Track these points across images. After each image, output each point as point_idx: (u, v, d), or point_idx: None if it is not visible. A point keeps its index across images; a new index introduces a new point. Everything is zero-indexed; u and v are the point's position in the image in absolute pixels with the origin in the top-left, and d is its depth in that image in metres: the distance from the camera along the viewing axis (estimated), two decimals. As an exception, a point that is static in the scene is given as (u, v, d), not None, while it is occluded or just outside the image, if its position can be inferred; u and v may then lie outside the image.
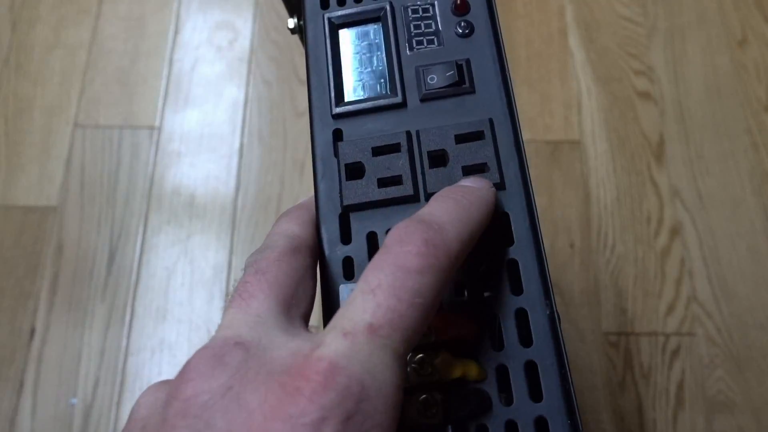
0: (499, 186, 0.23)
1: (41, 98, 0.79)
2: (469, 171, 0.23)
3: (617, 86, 0.81)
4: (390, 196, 0.23)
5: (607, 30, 0.84)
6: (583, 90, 0.81)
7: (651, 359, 0.68)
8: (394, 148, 0.24)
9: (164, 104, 0.79)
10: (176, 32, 0.83)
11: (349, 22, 0.27)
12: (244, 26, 0.84)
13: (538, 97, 0.80)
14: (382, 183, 0.23)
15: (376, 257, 0.19)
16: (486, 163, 0.23)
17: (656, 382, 0.67)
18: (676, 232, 0.74)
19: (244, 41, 0.83)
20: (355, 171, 0.24)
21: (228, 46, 0.83)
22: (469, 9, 0.26)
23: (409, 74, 0.25)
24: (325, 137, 0.25)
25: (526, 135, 0.77)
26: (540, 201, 0.76)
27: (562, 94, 0.80)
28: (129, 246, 0.73)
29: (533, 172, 0.83)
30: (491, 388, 0.21)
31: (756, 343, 0.68)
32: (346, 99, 0.25)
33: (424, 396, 0.21)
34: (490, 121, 0.24)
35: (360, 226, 0.23)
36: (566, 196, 0.75)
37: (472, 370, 0.21)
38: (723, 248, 0.72)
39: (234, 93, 0.80)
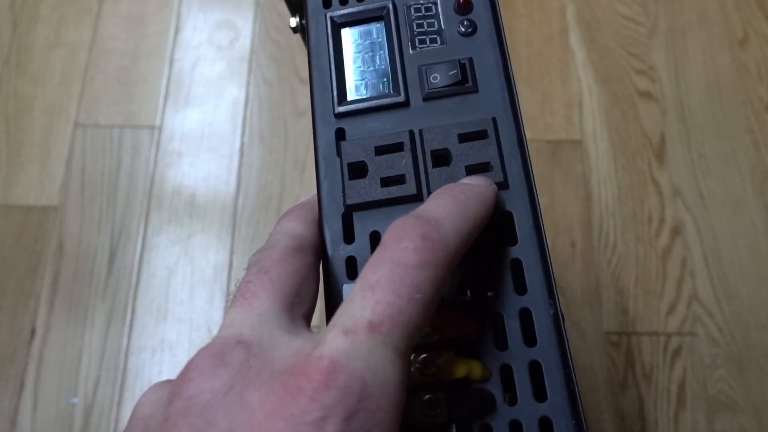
0: (503, 185, 0.23)
1: (42, 98, 0.79)
2: (472, 170, 0.23)
3: (618, 86, 0.81)
4: (393, 196, 0.23)
5: (608, 29, 0.84)
6: (584, 89, 0.81)
7: (652, 359, 0.68)
8: (396, 148, 0.24)
9: (165, 104, 0.79)
10: (177, 32, 0.83)
11: (352, 21, 0.27)
12: (245, 26, 0.84)
13: (539, 96, 0.80)
14: (385, 182, 0.23)
15: (374, 255, 0.19)
16: (489, 163, 0.23)
17: (657, 382, 0.67)
18: (677, 231, 0.73)
19: (244, 41, 0.83)
20: (357, 170, 0.24)
21: (229, 46, 0.83)
22: (472, 8, 0.26)
23: (412, 73, 0.25)
24: (328, 136, 0.25)
25: (527, 134, 0.77)
26: (541, 200, 0.76)
27: (563, 93, 0.80)
28: (130, 245, 0.73)
29: (534, 172, 0.83)
30: (495, 388, 0.21)
31: (757, 342, 0.68)
32: (349, 98, 0.25)
33: (427, 396, 0.21)
34: (494, 120, 0.24)
35: (363, 225, 0.23)
36: (567, 195, 0.75)
37: (476, 370, 0.21)
38: (724, 248, 0.72)
39: (235, 92, 0.80)
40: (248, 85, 0.81)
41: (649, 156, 0.77)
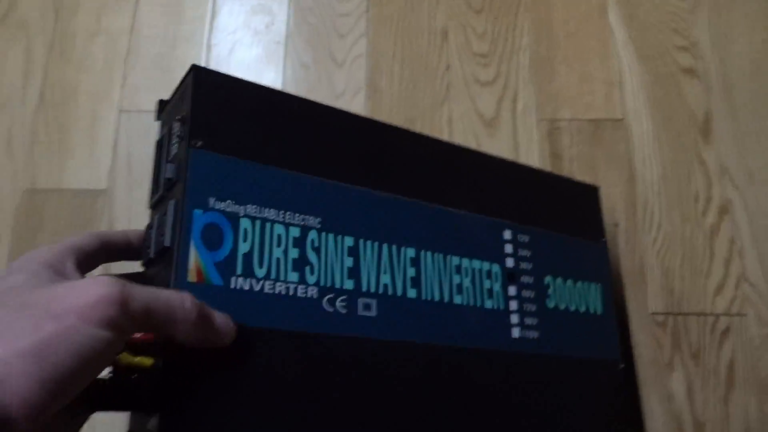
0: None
1: (86, 84, 0.80)
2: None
3: (660, 63, 0.79)
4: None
5: (649, 5, 0.82)
6: (625, 67, 0.79)
7: (700, 339, 0.67)
8: None
9: (204, 89, 0.80)
10: (213, 17, 0.84)
11: None
12: (280, 9, 0.84)
13: (578, 76, 0.78)
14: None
15: None
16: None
17: (706, 363, 0.66)
18: (725, 210, 0.72)
19: (280, 25, 0.83)
20: None
21: (265, 30, 0.83)
22: None
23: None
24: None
25: (566, 114, 0.76)
26: (583, 180, 0.75)
27: (603, 72, 0.79)
28: (173, 229, 0.74)
29: (575, 151, 0.81)
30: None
31: (809, 323, 0.67)
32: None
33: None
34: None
35: None
36: (610, 175, 0.74)
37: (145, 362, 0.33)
38: (773, 227, 0.71)
39: (272, 76, 0.81)
40: (285, 68, 0.81)
41: (695, 134, 0.76)
